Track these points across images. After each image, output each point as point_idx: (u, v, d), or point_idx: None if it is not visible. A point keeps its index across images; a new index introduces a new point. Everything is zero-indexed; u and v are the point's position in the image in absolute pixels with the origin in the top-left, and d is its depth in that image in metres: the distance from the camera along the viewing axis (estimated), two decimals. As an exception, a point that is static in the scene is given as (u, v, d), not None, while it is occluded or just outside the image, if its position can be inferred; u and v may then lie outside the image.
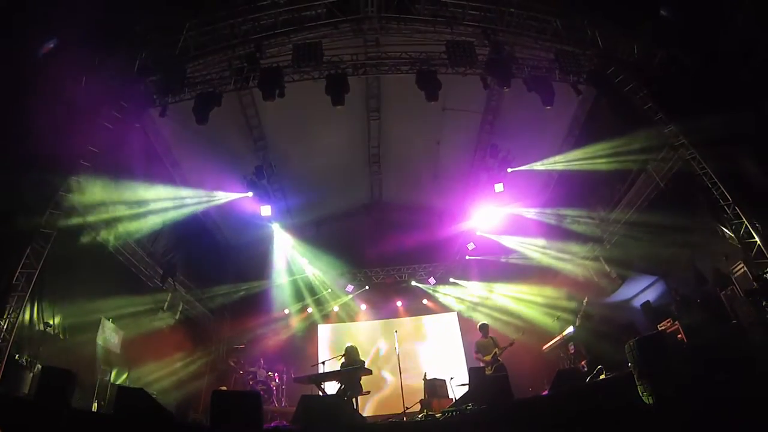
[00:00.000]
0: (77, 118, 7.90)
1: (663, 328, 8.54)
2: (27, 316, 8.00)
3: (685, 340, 7.59)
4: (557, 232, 13.42)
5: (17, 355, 7.63)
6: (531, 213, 13.67)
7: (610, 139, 10.13)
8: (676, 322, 8.16)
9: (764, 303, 6.55)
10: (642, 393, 5.37)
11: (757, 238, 8.06)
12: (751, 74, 7.57)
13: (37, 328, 8.22)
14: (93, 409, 8.62)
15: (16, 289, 7.59)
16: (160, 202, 10.37)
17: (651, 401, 5.23)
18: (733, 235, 8.46)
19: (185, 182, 12.06)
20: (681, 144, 9.31)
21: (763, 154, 7.73)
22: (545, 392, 7.62)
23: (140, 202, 9.91)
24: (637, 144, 9.70)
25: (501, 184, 12.40)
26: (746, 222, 8.28)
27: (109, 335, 10.29)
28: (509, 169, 12.06)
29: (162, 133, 11.36)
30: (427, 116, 12.35)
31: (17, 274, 7.63)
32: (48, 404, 5.95)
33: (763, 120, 7.36)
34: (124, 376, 10.19)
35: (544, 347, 11.83)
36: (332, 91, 9.34)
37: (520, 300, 14.90)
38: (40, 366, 7.52)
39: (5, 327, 7.41)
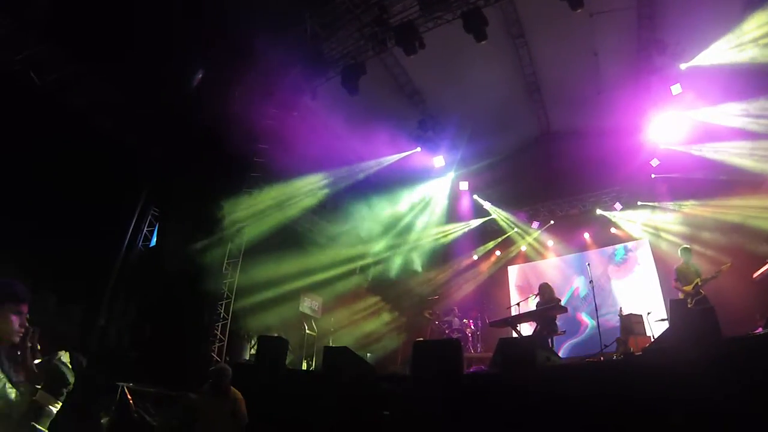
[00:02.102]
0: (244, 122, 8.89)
1: None
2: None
3: None
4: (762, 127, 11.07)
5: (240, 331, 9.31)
6: (722, 113, 11.45)
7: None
8: None
9: None
10: None
11: None
12: None
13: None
14: (304, 368, 9.97)
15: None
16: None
17: None
18: None
19: (356, 154, 12.67)
20: None
21: None
22: (759, 329, 6.54)
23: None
24: None
25: (678, 85, 10.78)
26: None
27: (311, 303, 11.59)
28: (683, 65, 10.33)
29: (320, 116, 11.96)
30: (576, 28, 11.12)
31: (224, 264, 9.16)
32: (266, 366, 7.01)
33: None
34: (329, 337, 11.42)
35: (756, 275, 9.73)
36: (472, 28, 9.07)
37: (724, 219, 12.64)
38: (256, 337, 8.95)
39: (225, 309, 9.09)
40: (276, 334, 8.57)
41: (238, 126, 8.83)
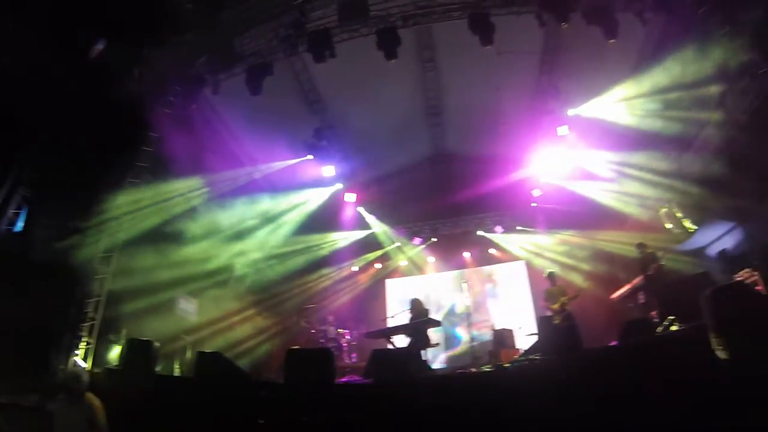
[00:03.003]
0: (137, 108, 8.30)
1: (741, 278, 7.99)
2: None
3: (765, 291, 7.10)
4: (627, 176, 12.62)
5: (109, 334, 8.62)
6: (597, 158, 12.87)
7: (683, 68, 9.26)
8: (756, 272, 7.60)
9: None
10: (716, 347, 5.14)
11: None
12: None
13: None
14: (176, 373, 9.47)
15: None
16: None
17: (725, 356, 5.00)
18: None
19: (248, 155, 12.40)
20: (764, 72, 8.37)
21: None
22: (614, 343, 7.45)
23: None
24: (713, 75, 8.80)
25: (565, 127, 11.85)
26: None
27: (186, 305, 11.06)
28: (570, 111, 11.45)
29: (219, 111, 11.67)
30: (483, 62, 11.83)
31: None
32: (134, 372, 6.61)
33: None
34: (202, 341, 10.94)
35: (613, 296, 11.39)
36: (384, 46, 9.27)
37: (592, 247, 14.40)
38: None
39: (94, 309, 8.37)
40: (148, 338, 8.02)
41: (132, 109, 8.22)
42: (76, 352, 8.05)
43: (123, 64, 7.93)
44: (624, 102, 10.96)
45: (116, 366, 7.83)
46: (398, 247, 17.47)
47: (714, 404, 4.83)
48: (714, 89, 9.30)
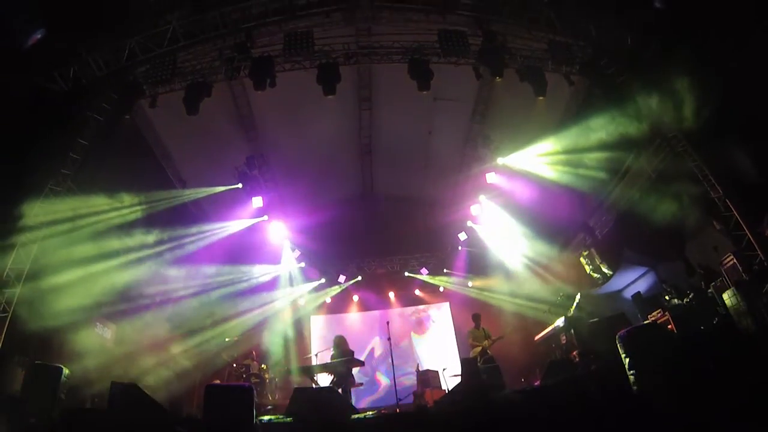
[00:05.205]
0: (66, 109, 7.76)
1: (653, 318, 8.65)
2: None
3: (675, 330, 7.67)
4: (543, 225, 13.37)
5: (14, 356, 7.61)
6: (518, 211, 13.50)
7: (602, 130, 10.09)
8: (667, 313, 8.24)
9: (753, 294, 6.62)
10: (632, 383, 5.45)
11: (746, 231, 8.15)
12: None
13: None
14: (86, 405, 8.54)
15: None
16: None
17: (641, 390, 5.30)
18: (722, 228, 8.55)
19: (176, 173, 11.96)
20: (674, 136, 9.34)
21: (753, 147, 7.78)
22: (537, 382, 7.66)
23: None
24: (629, 135, 9.67)
25: (493, 174, 12.40)
26: (736, 215, 8.36)
27: (101, 330, 10.21)
28: (499, 160, 12.04)
29: (152, 125, 11.21)
30: (418, 106, 12.29)
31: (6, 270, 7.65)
32: (37, 401, 5.91)
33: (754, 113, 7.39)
34: (117, 370, 10.08)
35: (536, 338, 11.87)
36: (323, 81, 9.29)
37: (512, 291, 14.96)
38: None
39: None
40: (56, 364, 7.17)
41: (62, 110, 7.63)
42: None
43: (58, 59, 7.43)
44: (547, 156, 11.67)
45: (18, 393, 6.94)
46: (323, 284, 17.15)
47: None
48: (628, 150, 10.26)
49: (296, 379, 10.60)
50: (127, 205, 9.78)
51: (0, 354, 7.44)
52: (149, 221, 10.59)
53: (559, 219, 13.06)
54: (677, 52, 8.26)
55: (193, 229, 12.35)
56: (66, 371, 6.69)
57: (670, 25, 8.59)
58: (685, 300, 8.61)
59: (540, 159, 11.78)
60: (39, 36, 7.14)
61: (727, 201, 8.53)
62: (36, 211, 7.82)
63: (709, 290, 8.05)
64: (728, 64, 7.64)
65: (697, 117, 8.24)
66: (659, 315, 8.53)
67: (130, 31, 8.38)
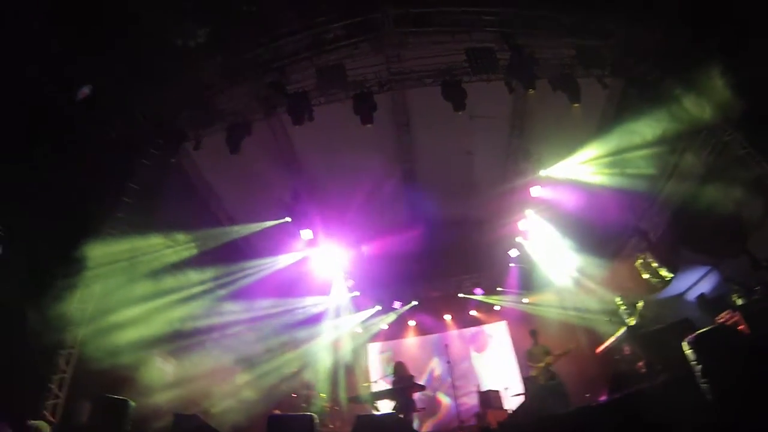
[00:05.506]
0: (117, 158, 8.25)
1: (722, 320, 8.08)
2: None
3: (748, 331, 7.16)
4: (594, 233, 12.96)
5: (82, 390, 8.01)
6: (566, 222, 13.20)
7: (642, 129, 9.79)
8: (737, 313, 7.70)
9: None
10: (703, 392, 5.10)
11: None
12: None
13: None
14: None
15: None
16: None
17: (715, 400, 4.96)
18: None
19: (223, 211, 12.35)
20: (718, 125, 8.92)
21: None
22: (603, 397, 7.33)
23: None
24: (672, 130, 9.32)
25: (537, 187, 12.19)
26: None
27: (163, 365, 10.54)
28: (542, 173, 11.84)
29: (198, 166, 11.72)
30: (456, 126, 12.23)
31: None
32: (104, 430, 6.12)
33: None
34: (180, 403, 10.35)
35: (598, 350, 11.39)
36: (360, 110, 9.48)
37: (568, 305, 14.55)
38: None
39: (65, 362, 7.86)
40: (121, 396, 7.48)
41: (113, 158, 8.13)
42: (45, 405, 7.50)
43: (107, 111, 7.93)
44: (590, 162, 11.39)
45: (85, 425, 7.25)
46: (379, 311, 17.19)
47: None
48: (673, 146, 9.87)
49: (357, 407, 10.50)
50: (181, 244, 10.22)
51: (69, 388, 7.87)
52: (202, 258, 10.98)
53: (609, 225, 12.67)
54: (707, 42, 7.97)
55: (245, 264, 12.68)
56: (132, 404, 6.92)
57: (697, 15, 8.30)
58: (754, 297, 8.04)
59: (583, 166, 11.53)
60: (88, 91, 7.65)
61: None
62: (96, 253, 8.25)
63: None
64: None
65: (738, 103, 7.85)
66: (728, 316, 7.98)
67: (170, 81, 8.82)
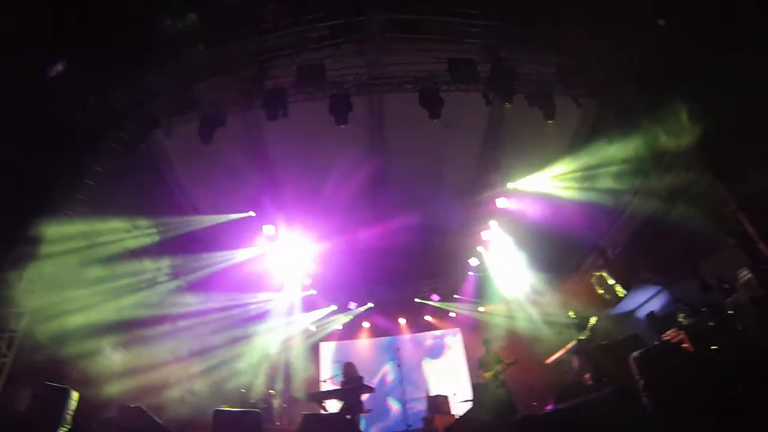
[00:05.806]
0: (84, 138, 8.03)
1: (668, 338, 8.47)
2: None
3: (691, 349, 7.53)
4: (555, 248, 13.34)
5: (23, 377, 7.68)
6: (528, 235, 13.54)
7: (611, 149, 10.14)
8: (682, 332, 8.09)
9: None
10: (646, 405, 5.35)
11: (761, 244, 8.01)
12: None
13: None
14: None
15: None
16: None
17: (655, 413, 5.21)
18: (736, 243, 8.44)
19: (189, 200, 12.17)
20: (683, 153, 9.29)
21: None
22: (549, 407, 7.57)
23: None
24: (639, 153, 9.69)
25: (504, 199, 12.46)
26: (750, 228, 8.25)
27: (111, 355, 10.29)
28: (510, 185, 12.11)
29: (166, 153, 11.52)
30: (429, 134, 12.39)
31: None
32: (42, 422, 5.91)
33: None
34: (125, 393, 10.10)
35: (548, 361, 11.75)
36: (336, 111, 9.49)
37: (522, 316, 14.88)
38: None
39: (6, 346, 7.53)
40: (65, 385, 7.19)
41: (80, 137, 7.88)
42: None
43: (79, 89, 7.72)
44: (558, 177, 11.74)
45: (22, 413, 6.97)
46: (333, 311, 17.22)
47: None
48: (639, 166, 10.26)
49: (304, 405, 10.49)
50: (141, 230, 10.01)
51: (9, 374, 7.51)
52: (161, 246, 10.79)
53: (570, 241, 13.05)
54: (682, 71, 8.32)
55: (205, 256, 12.52)
56: (75, 395, 6.70)
57: (673, 44, 8.64)
58: (700, 317, 8.45)
59: (551, 181, 11.88)
60: (62, 67, 7.44)
61: (740, 215, 8.38)
62: (50, 232, 7.93)
63: (726, 306, 7.90)
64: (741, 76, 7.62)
65: (705, 133, 8.23)
66: (674, 334, 8.37)
67: (150, 65, 8.68)
